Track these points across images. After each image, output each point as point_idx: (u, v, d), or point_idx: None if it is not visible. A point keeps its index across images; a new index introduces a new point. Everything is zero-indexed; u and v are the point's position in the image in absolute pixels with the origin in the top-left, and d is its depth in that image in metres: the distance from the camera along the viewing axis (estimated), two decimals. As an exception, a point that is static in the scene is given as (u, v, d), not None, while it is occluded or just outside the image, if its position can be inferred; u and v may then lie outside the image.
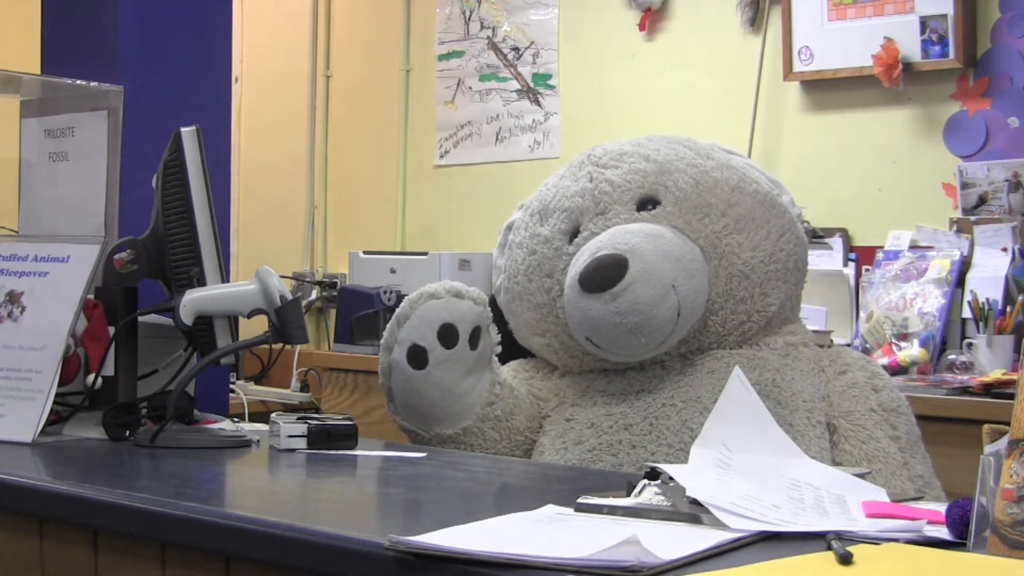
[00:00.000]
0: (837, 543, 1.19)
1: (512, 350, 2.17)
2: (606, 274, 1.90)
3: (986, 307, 3.24)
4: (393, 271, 4.29)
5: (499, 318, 2.17)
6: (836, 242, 3.64)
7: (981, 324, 3.24)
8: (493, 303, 2.24)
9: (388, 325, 1.97)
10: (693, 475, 1.39)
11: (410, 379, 1.94)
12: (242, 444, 1.97)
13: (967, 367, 3.17)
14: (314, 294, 4.97)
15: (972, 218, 3.41)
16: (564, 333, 2.03)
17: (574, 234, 2.05)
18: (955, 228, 3.45)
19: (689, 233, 1.99)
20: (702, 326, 1.99)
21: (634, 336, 1.91)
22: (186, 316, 1.97)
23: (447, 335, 1.93)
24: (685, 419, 1.93)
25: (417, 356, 1.93)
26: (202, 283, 2.01)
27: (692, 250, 1.97)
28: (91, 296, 2.06)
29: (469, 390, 1.96)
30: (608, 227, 2.00)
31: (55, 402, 1.99)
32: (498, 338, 2.02)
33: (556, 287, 2.04)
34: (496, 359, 2.02)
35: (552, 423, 2.04)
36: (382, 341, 1.96)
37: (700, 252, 1.98)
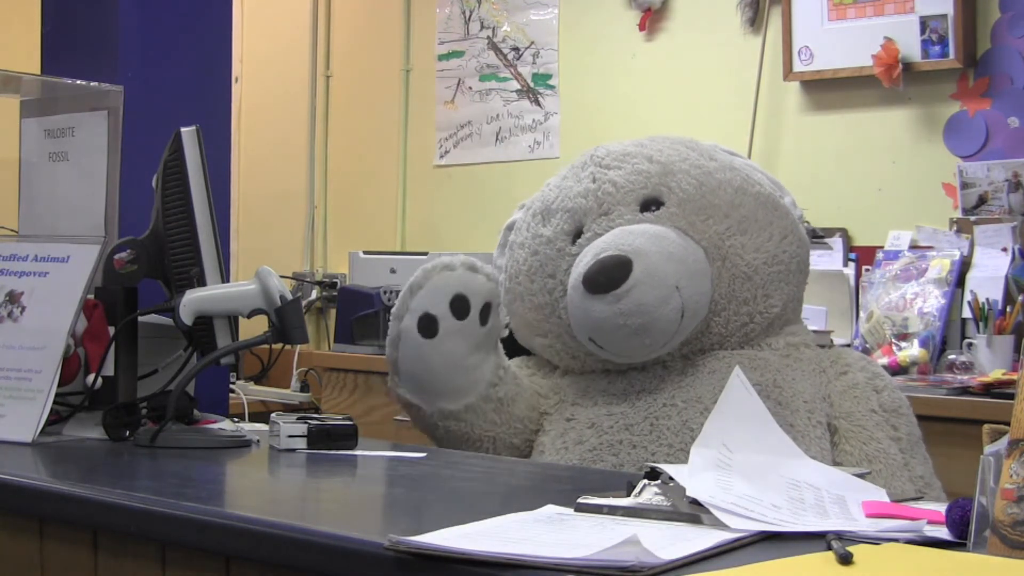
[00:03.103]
0: (837, 543, 1.19)
1: (513, 349, 2.17)
2: (610, 275, 1.90)
3: (986, 307, 3.24)
4: (393, 271, 4.29)
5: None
6: (836, 242, 3.64)
7: (981, 324, 3.24)
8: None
9: (400, 294, 1.96)
10: (693, 475, 1.39)
11: (419, 347, 1.93)
12: (242, 444, 1.97)
13: (967, 367, 3.17)
14: (314, 294, 4.97)
15: (972, 218, 3.41)
16: (566, 334, 2.03)
17: (577, 235, 2.05)
18: (955, 228, 3.45)
19: (693, 234, 1.99)
20: (705, 327, 1.99)
21: (638, 337, 1.91)
22: (186, 316, 1.97)
23: (459, 306, 1.92)
24: (686, 419, 1.93)
25: (428, 325, 1.92)
26: (202, 283, 2.01)
27: (696, 251, 1.97)
28: (91, 296, 2.05)
29: (476, 366, 1.96)
30: (611, 228, 2.00)
31: (55, 402, 1.99)
32: (506, 319, 2.02)
33: (559, 288, 2.04)
34: (501, 345, 2.02)
35: (552, 423, 2.04)
36: (393, 310, 1.96)
37: (703, 253, 1.98)
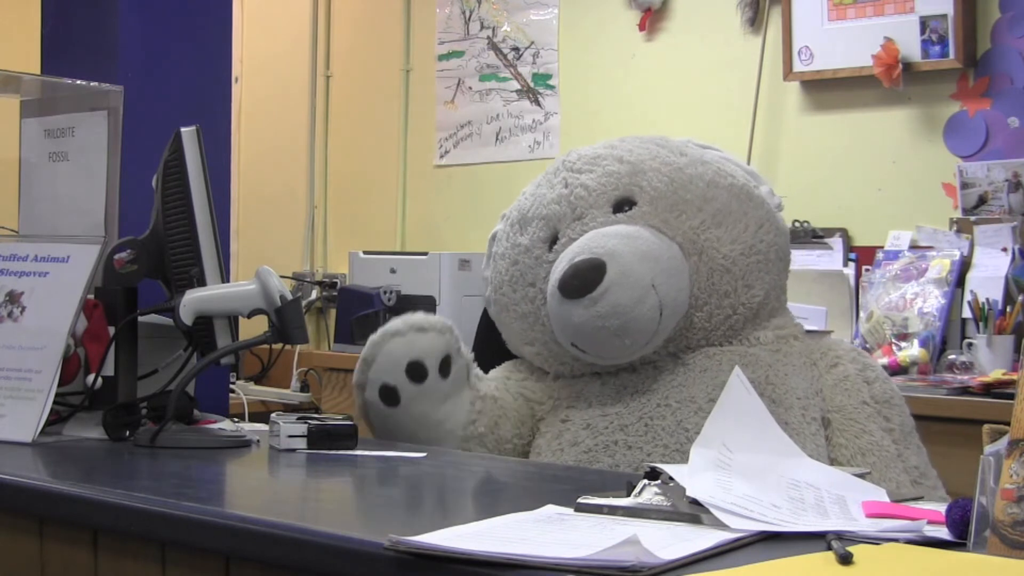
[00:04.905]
0: (837, 543, 1.19)
1: (509, 355, 2.17)
2: (584, 279, 1.90)
3: (986, 307, 3.24)
4: (393, 271, 4.29)
5: (493, 327, 2.18)
6: (836, 242, 3.64)
7: (981, 324, 3.24)
8: (486, 314, 2.24)
9: (357, 365, 2.00)
10: (693, 475, 1.39)
11: (386, 416, 1.98)
12: (242, 444, 1.97)
13: (967, 367, 3.18)
14: (314, 294, 4.97)
15: (972, 218, 3.41)
16: (552, 341, 2.03)
17: (553, 241, 2.05)
18: (955, 228, 3.45)
19: (667, 231, 1.99)
20: (688, 323, 1.99)
21: (618, 339, 1.91)
22: (186, 316, 1.97)
23: (416, 371, 1.96)
24: (680, 419, 1.92)
25: (389, 395, 1.97)
26: (202, 283, 2.01)
27: (671, 248, 1.97)
28: (91, 296, 2.05)
29: (447, 416, 1.98)
30: (586, 232, 2.00)
31: (55, 402, 1.99)
32: (471, 356, 2.03)
33: (540, 296, 2.04)
34: (476, 373, 2.04)
35: (548, 424, 2.04)
36: (354, 380, 2.00)
37: (679, 250, 1.98)
